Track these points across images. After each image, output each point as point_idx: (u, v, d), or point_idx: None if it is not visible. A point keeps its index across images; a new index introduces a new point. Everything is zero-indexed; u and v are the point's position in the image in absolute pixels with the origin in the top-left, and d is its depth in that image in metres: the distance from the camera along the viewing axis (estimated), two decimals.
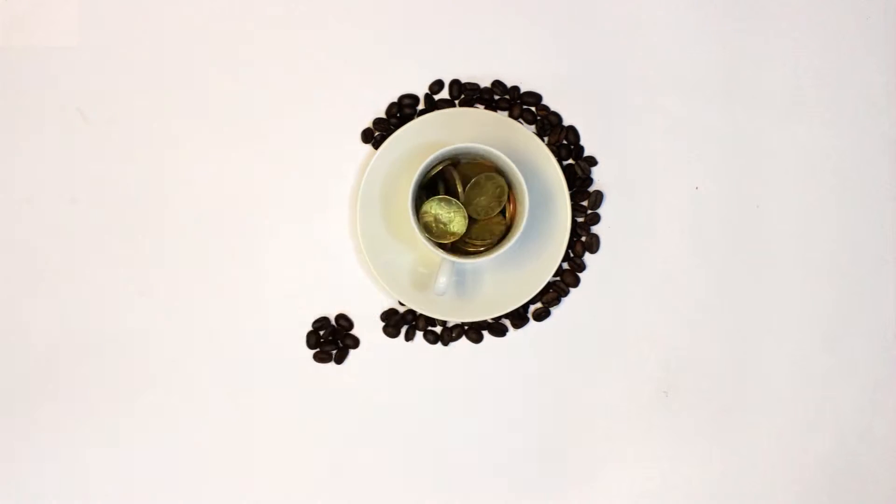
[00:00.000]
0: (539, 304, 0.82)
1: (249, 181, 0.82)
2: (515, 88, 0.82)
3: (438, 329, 0.82)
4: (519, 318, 0.81)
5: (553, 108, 0.82)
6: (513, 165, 0.75)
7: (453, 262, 0.76)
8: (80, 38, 0.83)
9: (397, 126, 0.81)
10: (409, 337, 0.81)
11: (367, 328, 0.82)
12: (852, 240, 0.83)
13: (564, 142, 0.82)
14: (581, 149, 0.82)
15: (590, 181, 0.82)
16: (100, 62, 0.83)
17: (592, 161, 0.82)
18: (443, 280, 0.75)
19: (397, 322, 0.81)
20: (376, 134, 0.82)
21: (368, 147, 0.82)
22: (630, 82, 0.82)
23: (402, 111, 0.82)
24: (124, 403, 0.81)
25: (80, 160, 0.82)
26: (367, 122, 0.82)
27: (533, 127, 0.82)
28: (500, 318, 0.81)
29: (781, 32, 0.83)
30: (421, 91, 0.82)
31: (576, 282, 0.82)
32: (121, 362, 0.82)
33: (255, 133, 0.82)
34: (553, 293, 0.81)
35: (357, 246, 0.81)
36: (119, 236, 0.82)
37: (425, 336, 0.81)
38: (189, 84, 0.83)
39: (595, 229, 0.82)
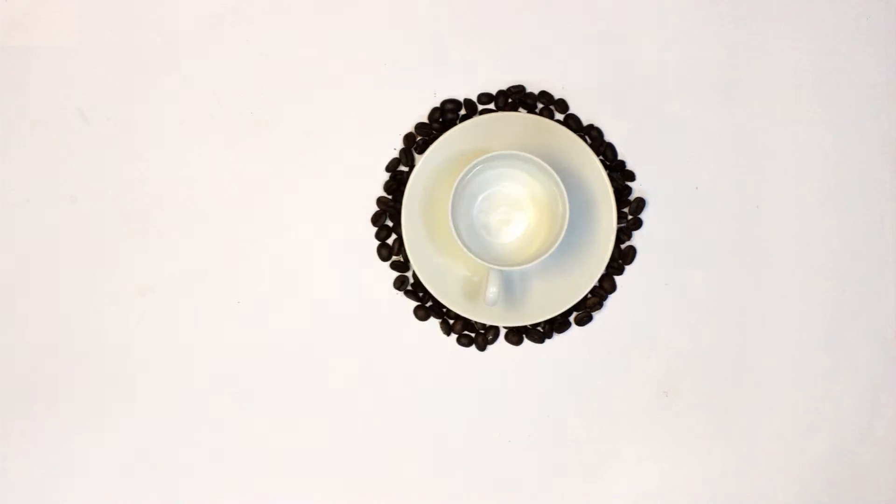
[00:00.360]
0: (581, 311, 0.82)
1: (265, 183, 0.82)
2: (547, 95, 0.82)
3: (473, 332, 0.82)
4: (561, 324, 0.81)
5: (582, 117, 0.83)
6: (553, 172, 0.75)
7: (501, 272, 0.76)
8: (80, 38, 0.83)
9: (440, 132, 0.81)
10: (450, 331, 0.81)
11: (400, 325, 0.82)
12: (852, 240, 0.83)
13: (601, 158, 0.82)
14: (622, 163, 0.82)
15: (629, 190, 0.82)
16: (100, 62, 0.83)
17: (631, 176, 0.82)
18: (493, 290, 0.75)
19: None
20: (418, 139, 0.82)
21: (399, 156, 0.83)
22: (650, 86, 0.83)
23: (445, 116, 0.82)
24: (125, 403, 0.82)
25: (79, 160, 0.82)
26: (407, 128, 0.83)
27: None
28: (540, 324, 0.81)
29: (781, 33, 0.83)
30: (463, 95, 0.82)
31: (613, 287, 0.82)
32: (120, 362, 0.82)
33: (269, 134, 0.83)
34: (595, 298, 0.81)
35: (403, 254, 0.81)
36: (119, 236, 0.82)
37: (459, 340, 0.81)
38: (191, 83, 0.83)
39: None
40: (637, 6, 0.83)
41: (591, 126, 0.82)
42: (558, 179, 0.75)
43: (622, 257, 0.82)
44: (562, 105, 0.82)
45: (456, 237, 0.75)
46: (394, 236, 0.82)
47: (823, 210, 0.83)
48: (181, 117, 0.83)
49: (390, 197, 0.82)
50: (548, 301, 0.79)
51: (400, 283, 0.81)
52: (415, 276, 0.81)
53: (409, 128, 0.82)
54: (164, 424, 0.82)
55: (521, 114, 0.81)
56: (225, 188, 0.82)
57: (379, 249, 0.82)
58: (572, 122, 0.82)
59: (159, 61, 0.83)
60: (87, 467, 0.82)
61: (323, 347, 0.82)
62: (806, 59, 0.83)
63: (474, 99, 0.82)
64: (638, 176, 0.82)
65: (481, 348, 0.81)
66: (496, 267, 0.75)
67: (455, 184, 0.75)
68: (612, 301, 0.82)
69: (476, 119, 0.80)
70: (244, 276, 0.82)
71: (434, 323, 0.82)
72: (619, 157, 0.82)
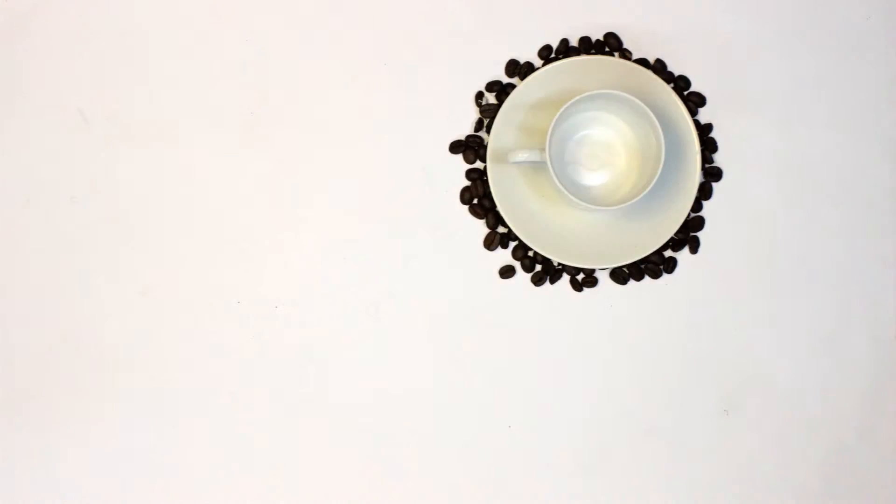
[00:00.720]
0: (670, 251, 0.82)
1: (268, 182, 0.83)
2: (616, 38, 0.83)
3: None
4: (658, 262, 0.82)
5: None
6: (651, 115, 0.76)
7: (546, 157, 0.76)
8: (80, 39, 0.83)
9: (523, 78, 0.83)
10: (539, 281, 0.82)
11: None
12: (853, 239, 0.83)
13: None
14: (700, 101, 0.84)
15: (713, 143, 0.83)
16: (100, 62, 0.83)
17: (713, 145, 0.83)
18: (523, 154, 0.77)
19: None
20: (505, 83, 0.83)
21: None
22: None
23: (520, 70, 0.83)
24: (125, 403, 0.82)
25: (79, 160, 0.83)
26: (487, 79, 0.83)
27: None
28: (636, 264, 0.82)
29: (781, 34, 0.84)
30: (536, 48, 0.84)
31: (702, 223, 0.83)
32: (121, 361, 0.82)
33: (271, 133, 0.83)
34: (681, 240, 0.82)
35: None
36: (119, 235, 0.82)
37: (533, 278, 0.82)
38: (191, 83, 0.83)
39: None
40: None
41: (680, 76, 0.83)
42: (655, 122, 0.75)
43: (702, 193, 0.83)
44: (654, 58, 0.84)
45: (554, 178, 0.75)
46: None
47: (823, 210, 0.83)
48: (181, 117, 0.83)
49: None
50: (636, 242, 0.80)
51: (490, 241, 0.82)
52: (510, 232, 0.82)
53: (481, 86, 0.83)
54: (160, 421, 0.82)
55: (612, 58, 0.82)
56: (226, 188, 0.83)
57: (472, 208, 0.82)
58: (661, 69, 0.83)
59: (159, 62, 0.83)
60: (87, 467, 0.81)
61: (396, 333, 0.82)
62: (806, 59, 0.84)
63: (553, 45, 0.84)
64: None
65: (578, 289, 0.82)
66: (592, 206, 0.76)
67: (553, 120, 0.76)
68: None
69: (565, 61, 0.81)
70: (244, 276, 0.82)
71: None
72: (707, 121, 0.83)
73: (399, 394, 0.82)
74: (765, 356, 0.82)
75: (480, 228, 0.82)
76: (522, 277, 0.82)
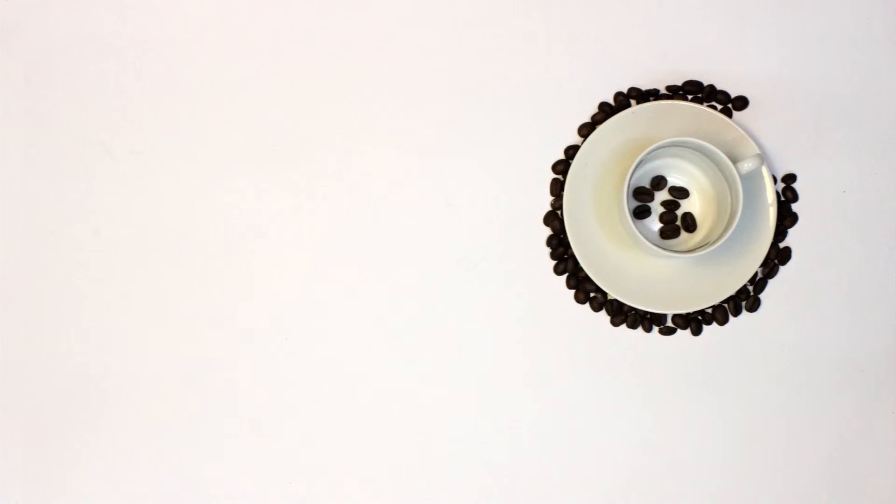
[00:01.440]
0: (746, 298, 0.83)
1: (295, 215, 0.83)
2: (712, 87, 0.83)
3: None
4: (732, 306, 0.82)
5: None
6: (731, 165, 0.75)
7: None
8: (103, 72, 0.83)
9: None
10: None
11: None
12: (853, 238, 0.83)
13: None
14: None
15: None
16: (123, 96, 0.83)
17: (793, 177, 0.83)
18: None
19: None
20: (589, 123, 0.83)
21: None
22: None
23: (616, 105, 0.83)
24: (156, 438, 0.82)
25: (103, 192, 0.83)
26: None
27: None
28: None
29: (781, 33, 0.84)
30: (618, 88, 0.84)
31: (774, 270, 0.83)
32: (146, 392, 0.82)
33: (295, 167, 0.83)
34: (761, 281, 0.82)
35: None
36: (142, 267, 0.83)
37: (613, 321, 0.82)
38: (215, 117, 0.83)
39: None
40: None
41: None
42: (735, 172, 0.75)
43: (778, 256, 0.83)
44: (736, 100, 0.83)
45: (630, 221, 0.76)
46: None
47: (822, 210, 0.84)
48: (205, 151, 0.83)
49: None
50: (706, 289, 0.80)
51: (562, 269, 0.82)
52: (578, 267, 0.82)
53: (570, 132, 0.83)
54: (188, 454, 0.83)
55: (688, 103, 0.81)
56: (251, 221, 0.83)
57: (552, 250, 0.83)
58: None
59: (182, 95, 0.83)
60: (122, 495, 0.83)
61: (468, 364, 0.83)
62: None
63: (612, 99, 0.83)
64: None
65: (647, 330, 0.82)
66: (664, 251, 0.76)
67: (632, 166, 0.75)
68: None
69: (639, 107, 0.81)
70: (277, 309, 0.83)
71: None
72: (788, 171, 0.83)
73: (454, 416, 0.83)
74: (764, 354, 0.83)
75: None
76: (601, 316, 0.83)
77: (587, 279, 0.82)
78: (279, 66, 0.83)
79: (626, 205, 0.76)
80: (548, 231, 0.83)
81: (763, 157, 0.77)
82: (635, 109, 0.80)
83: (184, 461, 0.82)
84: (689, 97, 0.83)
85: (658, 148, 0.76)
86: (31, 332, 0.83)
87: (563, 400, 0.82)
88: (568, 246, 0.82)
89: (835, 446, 0.82)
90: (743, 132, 0.80)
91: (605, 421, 0.82)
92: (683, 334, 0.82)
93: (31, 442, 0.82)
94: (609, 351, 0.82)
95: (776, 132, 0.83)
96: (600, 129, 0.81)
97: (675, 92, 0.82)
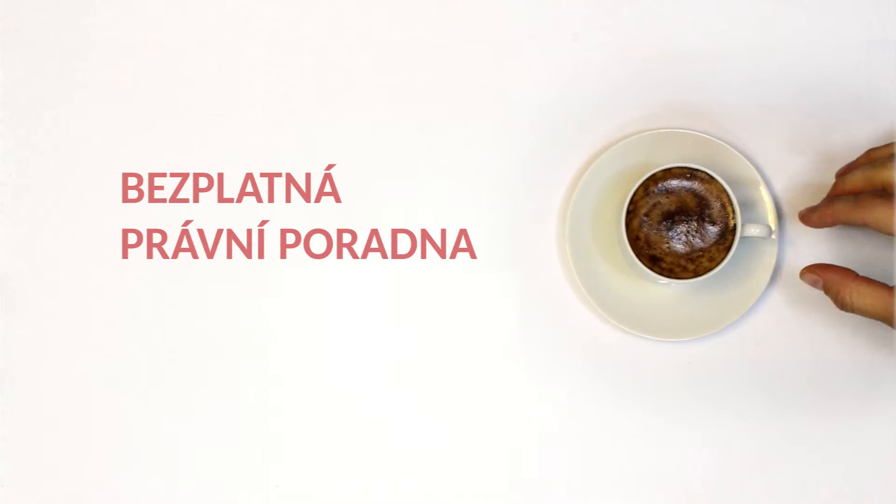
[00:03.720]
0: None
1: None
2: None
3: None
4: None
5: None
6: (730, 191, 0.76)
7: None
8: (127, 114, 0.84)
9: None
10: None
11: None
12: (853, 238, 0.83)
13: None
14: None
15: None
16: (143, 127, 0.84)
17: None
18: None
19: None
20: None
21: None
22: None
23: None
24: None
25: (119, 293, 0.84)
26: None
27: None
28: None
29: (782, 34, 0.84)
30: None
31: None
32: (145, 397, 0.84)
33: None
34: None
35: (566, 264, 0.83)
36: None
37: None
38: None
39: None
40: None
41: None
42: (732, 197, 0.76)
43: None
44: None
45: (629, 249, 0.76)
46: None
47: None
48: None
49: None
50: (709, 316, 0.81)
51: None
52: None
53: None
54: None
55: (686, 131, 0.81)
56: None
57: None
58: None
59: (202, 135, 0.84)
60: None
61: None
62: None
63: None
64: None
65: None
66: (664, 279, 0.76)
67: (628, 195, 0.76)
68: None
69: (639, 136, 0.81)
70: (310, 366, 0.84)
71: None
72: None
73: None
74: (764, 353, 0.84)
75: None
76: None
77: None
78: (309, 113, 0.85)
79: (624, 232, 0.77)
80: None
81: (770, 229, 0.77)
82: (637, 137, 0.81)
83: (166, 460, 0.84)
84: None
85: (658, 172, 0.77)
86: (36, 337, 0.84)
87: (563, 401, 0.83)
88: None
89: (835, 446, 0.83)
90: (748, 162, 0.80)
91: (605, 421, 0.83)
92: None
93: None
94: (609, 352, 0.83)
95: (777, 149, 0.83)
96: (604, 155, 0.81)
97: None
